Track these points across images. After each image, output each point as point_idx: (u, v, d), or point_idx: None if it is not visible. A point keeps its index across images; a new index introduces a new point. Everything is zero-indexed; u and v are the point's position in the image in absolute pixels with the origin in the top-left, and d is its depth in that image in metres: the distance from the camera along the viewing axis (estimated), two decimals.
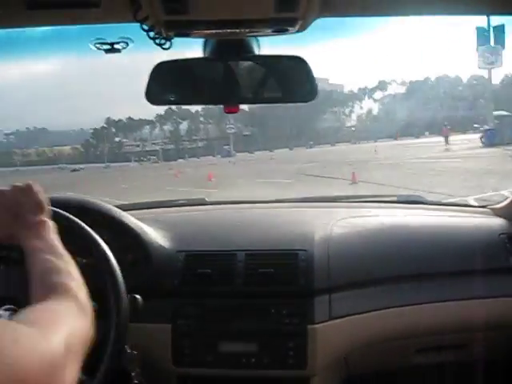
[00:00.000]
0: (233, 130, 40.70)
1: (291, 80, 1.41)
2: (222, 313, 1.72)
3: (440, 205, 2.33)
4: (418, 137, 36.25)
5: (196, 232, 1.98)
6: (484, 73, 31.31)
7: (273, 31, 1.31)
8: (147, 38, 1.23)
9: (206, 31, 1.31)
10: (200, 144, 46.36)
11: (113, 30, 1.31)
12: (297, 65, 1.39)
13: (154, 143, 45.63)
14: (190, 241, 1.88)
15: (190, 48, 1.46)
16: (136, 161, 39.87)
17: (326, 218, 1.97)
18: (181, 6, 1.11)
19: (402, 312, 1.77)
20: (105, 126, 47.30)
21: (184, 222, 2.11)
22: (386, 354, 1.84)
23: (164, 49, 1.29)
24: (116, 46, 1.30)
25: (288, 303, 1.71)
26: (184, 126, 46.95)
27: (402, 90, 47.80)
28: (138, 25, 1.19)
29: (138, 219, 1.85)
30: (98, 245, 1.42)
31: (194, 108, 44.88)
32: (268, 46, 1.41)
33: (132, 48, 1.28)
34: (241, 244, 1.83)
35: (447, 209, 2.27)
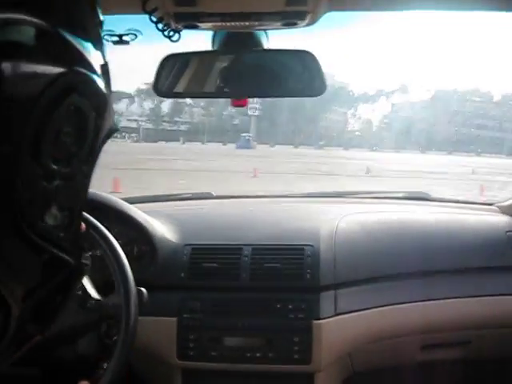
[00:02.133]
0: (256, 113, 33.19)
1: (300, 74, 1.40)
2: (227, 307, 1.72)
3: (446, 202, 2.32)
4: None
5: (202, 226, 1.97)
6: None
7: (282, 25, 1.30)
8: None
9: (214, 24, 1.30)
10: (182, 127, 44.69)
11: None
12: (306, 59, 1.38)
13: (129, 119, 43.09)
14: (197, 235, 1.88)
15: (199, 40, 1.45)
16: None
17: (332, 214, 1.96)
18: None
19: (407, 309, 1.77)
20: None
21: (190, 216, 2.10)
22: (391, 350, 1.83)
23: (172, 41, 1.28)
24: (124, 38, 1.29)
25: (294, 298, 1.70)
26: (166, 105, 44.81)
27: (426, 97, 47.20)
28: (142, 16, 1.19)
29: (145, 212, 1.85)
30: (108, 238, 1.42)
31: None
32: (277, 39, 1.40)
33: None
34: (247, 238, 1.83)
35: (453, 206, 2.26)
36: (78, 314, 1.38)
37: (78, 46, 0.50)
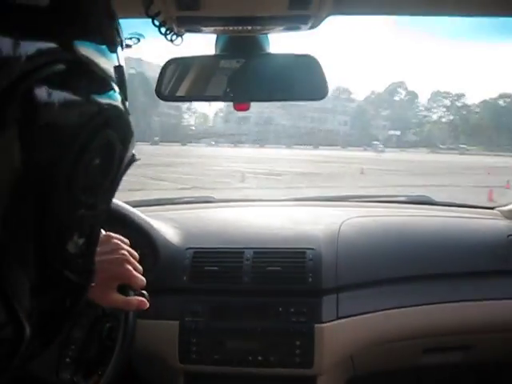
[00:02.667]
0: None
1: (302, 78, 1.41)
2: (229, 310, 1.72)
3: (448, 205, 2.32)
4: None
5: (204, 229, 1.98)
6: None
7: (285, 29, 1.30)
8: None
9: (217, 28, 1.30)
10: None
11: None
12: (308, 62, 1.38)
13: None
14: (199, 238, 1.88)
15: (202, 44, 1.46)
16: None
17: (334, 217, 1.96)
18: (193, 2, 1.11)
19: (409, 312, 1.77)
20: None
21: (193, 220, 2.11)
22: (392, 354, 1.83)
23: (175, 45, 1.29)
24: (127, 42, 1.29)
25: (295, 302, 1.70)
26: None
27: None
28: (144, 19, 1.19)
29: (147, 216, 1.85)
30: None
31: None
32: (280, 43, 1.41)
33: None
34: (249, 242, 1.83)
35: (455, 210, 2.26)
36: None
37: (109, 72, 0.51)
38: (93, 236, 0.55)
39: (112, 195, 0.56)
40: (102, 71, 0.50)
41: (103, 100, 0.49)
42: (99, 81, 0.50)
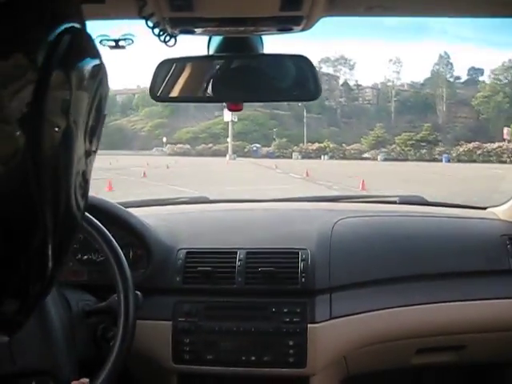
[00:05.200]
0: None
1: (295, 78, 1.41)
2: (222, 311, 1.73)
3: (441, 206, 2.33)
4: None
5: (197, 230, 1.98)
6: None
7: (277, 30, 1.30)
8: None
9: (210, 29, 1.31)
10: None
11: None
12: (301, 63, 1.39)
13: None
14: (192, 239, 1.88)
15: (195, 45, 1.46)
16: None
17: (327, 218, 1.97)
18: (186, 3, 1.11)
19: (402, 312, 1.77)
20: None
21: (186, 220, 2.11)
22: (386, 354, 1.83)
23: (169, 46, 1.29)
24: (120, 43, 1.29)
25: (289, 302, 1.71)
26: None
27: None
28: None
29: (141, 216, 1.85)
30: (111, 242, 1.43)
31: None
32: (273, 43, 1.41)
33: None
34: (242, 242, 1.83)
35: (448, 210, 2.27)
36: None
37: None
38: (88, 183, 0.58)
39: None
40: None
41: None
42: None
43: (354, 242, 1.86)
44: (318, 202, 2.49)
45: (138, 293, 1.47)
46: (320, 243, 1.81)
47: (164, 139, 53.89)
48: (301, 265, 1.74)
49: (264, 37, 1.39)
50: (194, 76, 1.43)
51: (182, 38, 1.31)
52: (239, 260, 1.77)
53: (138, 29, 1.26)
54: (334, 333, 1.71)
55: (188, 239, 1.87)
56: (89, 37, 0.53)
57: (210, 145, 53.14)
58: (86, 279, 1.74)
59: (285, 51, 1.41)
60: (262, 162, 32.91)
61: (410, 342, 1.83)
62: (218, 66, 1.43)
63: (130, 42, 1.28)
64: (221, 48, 1.39)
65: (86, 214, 1.43)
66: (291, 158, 45.69)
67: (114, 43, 1.29)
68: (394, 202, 2.38)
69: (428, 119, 52.40)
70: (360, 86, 60.84)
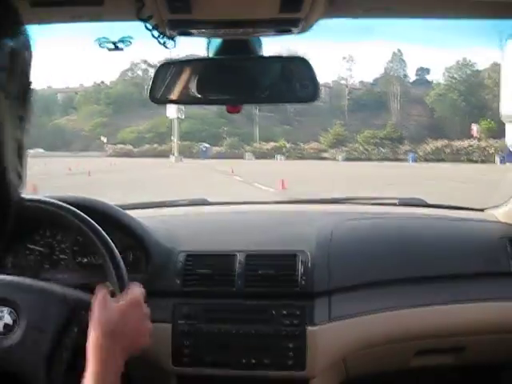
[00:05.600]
0: None
1: (294, 80, 1.41)
2: (222, 313, 1.72)
3: (440, 207, 2.33)
4: None
5: (197, 232, 1.98)
6: None
7: (276, 32, 1.31)
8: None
9: (209, 31, 1.31)
10: None
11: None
12: (300, 65, 1.39)
13: None
14: (191, 241, 1.88)
15: (194, 48, 1.46)
16: None
17: (326, 220, 1.97)
18: (184, 6, 1.11)
19: (401, 314, 1.77)
20: None
21: (185, 222, 2.11)
22: (385, 356, 1.83)
23: (167, 48, 1.29)
24: (119, 45, 1.30)
25: (288, 304, 1.70)
26: None
27: None
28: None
29: (140, 219, 1.85)
30: (108, 244, 1.43)
31: None
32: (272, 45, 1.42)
33: None
34: (241, 245, 1.83)
35: (447, 211, 2.27)
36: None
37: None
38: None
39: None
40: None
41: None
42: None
43: (354, 245, 1.86)
44: (317, 204, 2.49)
45: None
46: (319, 245, 1.81)
47: (104, 139, 52.54)
48: (300, 267, 1.74)
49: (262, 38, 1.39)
50: (193, 79, 1.43)
51: (182, 40, 1.31)
52: (239, 263, 1.76)
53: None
54: (334, 335, 1.71)
55: (187, 242, 1.87)
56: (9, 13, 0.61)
57: (155, 145, 51.29)
58: (87, 282, 1.74)
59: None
60: (215, 165, 29.63)
61: (410, 344, 1.83)
62: (216, 69, 1.43)
63: (129, 43, 1.28)
64: (220, 50, 1.39)
65: (83, 214, 1.43)
66: (243, 158, 43.98)
67: (112, 45, 1.29)
68: (394, 204, 2.38)
69: (382, 118, 52.22)
70: None
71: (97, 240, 1.42)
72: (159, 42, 1.27)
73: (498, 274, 1.88)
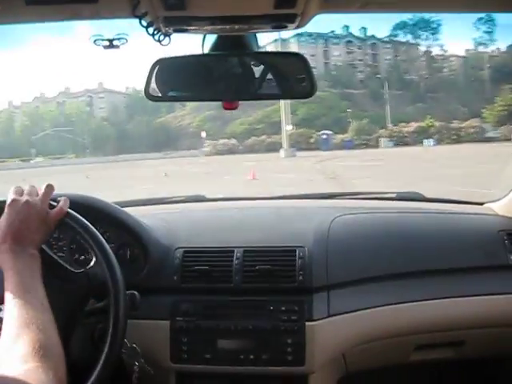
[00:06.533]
0: None
1: (290, 76, 1.41)
2: (220, 309, 1.72)
3: (439, 201, 2.33)
4: None
5: (194, 229, 1.98)
6: None
7: (272, 27, 1.30)
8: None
9: (204, 27, 1.30)
10: None
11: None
12: (296, 61, 1.39)
13: None
14: (189, 237, 1.88)
15: (190, 44, 1.45)
16: None
17: (324, 215, 1.97)
18: (179, 2, 1.11)
19: (400, 309, 1.77)
20: None
21: (182, 219, 2.11)
22: (384, 351, 1.83)
23: (163, 45, 1.29)
24: (115, 43, 1.29)
25: (286, 300, 1.70)
26: None
27: None
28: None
29: (137, 216, 1.85)
30: (100, 242, 1.42)
31: None
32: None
33: None
34: (239, 241, 1.83)
35: (446, 205, 2.27)
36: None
37: None
38: None
39: None
40: None
41: None
42: None
43: (352, 239, 1.86)
44: (314, 199, 2.49)
45: (136, 292, 1.47)
46: (317, 241, 1.81)
47: (203, 134, 45.47)
48: (298, 263, 1.74)
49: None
50: (188, 75, 1.42)
51: (177, 36, 1.31)
52: (236, 258, 1.76)
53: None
54: (332, 330, 1.71)
55: (185, 238, 1.87)
56: None
57: (263, 137, 42.50)
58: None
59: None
60: (346, 159, 21.66)
61: (409, 339, 1.83)
62: (212, 65, 1.43)
63: (124, 41, 1.27)
64: (215, 46, 1.39)
65: (74, 213, 1.42)
66: (378, 146, 33.98)
67: (108, 43, 1.28)
68: (392, 199, 2.38)
69: None
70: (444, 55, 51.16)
71: (88, 238, 1.42)
72: (155, 39, 1.26)
73: (496, 267, 1.88)
